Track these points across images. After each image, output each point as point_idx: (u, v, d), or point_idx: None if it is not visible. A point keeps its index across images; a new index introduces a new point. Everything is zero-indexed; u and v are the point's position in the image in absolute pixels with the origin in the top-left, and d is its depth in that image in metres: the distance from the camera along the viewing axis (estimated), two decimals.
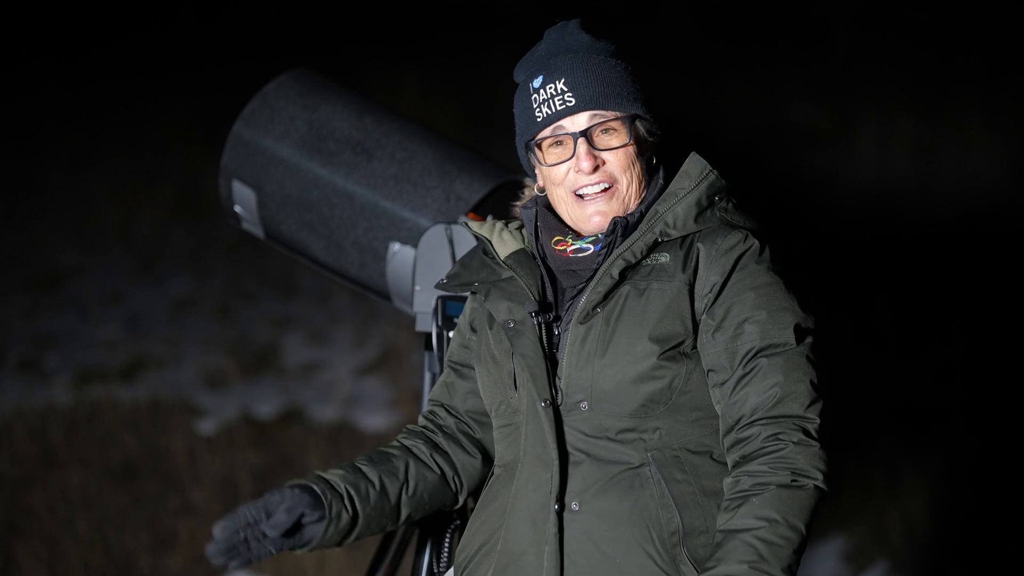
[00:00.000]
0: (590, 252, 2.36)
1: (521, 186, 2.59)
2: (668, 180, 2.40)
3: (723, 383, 2.27)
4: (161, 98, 9.61)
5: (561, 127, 2.36)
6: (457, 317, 2.82)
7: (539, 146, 2.39)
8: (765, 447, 2.21)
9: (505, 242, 2.45)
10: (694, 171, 2.36)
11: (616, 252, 2.30)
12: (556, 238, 2.39)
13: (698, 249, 2.31)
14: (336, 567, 5.05)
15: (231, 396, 6.47)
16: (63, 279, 8.04)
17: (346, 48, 9.57)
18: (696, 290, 2.30)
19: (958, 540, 4.81)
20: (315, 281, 7.50)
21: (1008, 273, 6.18)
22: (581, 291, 2.34)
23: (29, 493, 5.68)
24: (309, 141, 3.28)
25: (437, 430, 2.56)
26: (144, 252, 8.32)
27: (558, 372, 2.31)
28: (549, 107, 2.36)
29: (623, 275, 2.30)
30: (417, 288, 3.09)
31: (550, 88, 2.36)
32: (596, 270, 2.33)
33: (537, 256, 2.42)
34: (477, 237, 2.49)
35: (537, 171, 2.44)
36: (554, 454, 2.27)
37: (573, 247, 2.37)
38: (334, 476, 2.43)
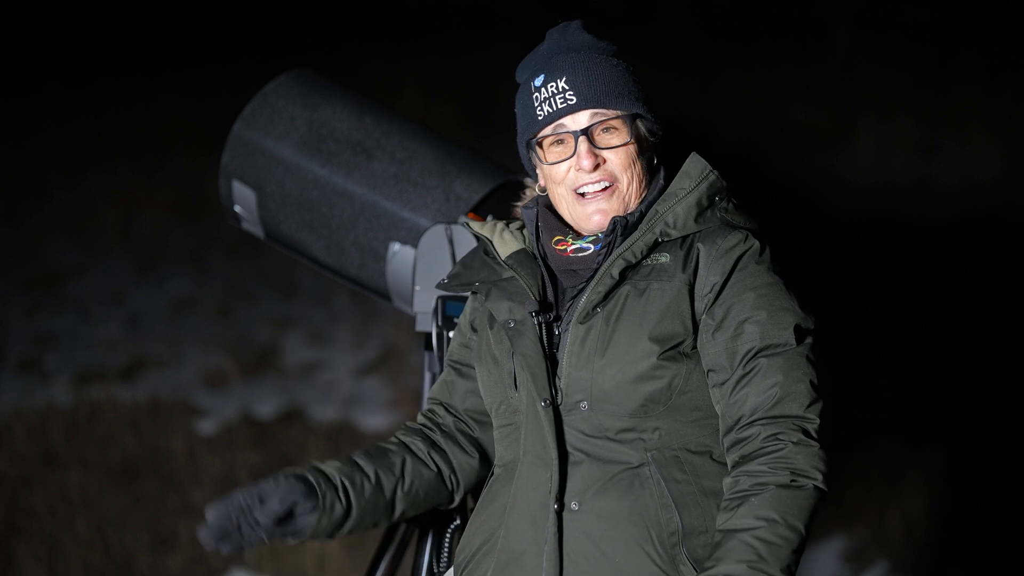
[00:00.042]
0: (590, 252, 2.36)
1: (521, 186, 2.59)
2: (669, 180, 2.40)
3: (723, 383, 2.27)
4: (161, 98, 9.61)
5: (562, 125, 2.36)
6: (457, 317, 2.83)
7: (540, 144, 2.39)
8: (765, 447, 2.21)
9: (506, 242, 2.45)
10: (694, 171, 2.36)
11: (616, 252, 2.30)
12: (556, 237, 2.40)
13: (698, 249, 2.31)
14: (336, 567, 5.05)
15: (231, 396, 6.47)
16: (63, 279, 8.04)
17: (346, 48, 9.57)
18: (696, 290, 2.30)
19: (958, 540, 4.81)
20: (315, 281, 7.50)
21: (1008, 273, 6.18)
22: (581, 291, 2.35)
23: (29, 493, 5.68)
24: (309, 141, 3.28)
25: (435, 428, 2.56)
26: (144, 252, 8.32)
27: (558, 372, 2.32)
28: (550, 105, 2.36)
29: (623, 275, 2.30)
30: (417, 288, 3.09)
31: (551, 87, 2.36)
32: (596, 270, 2.33)
33: (538, 256, 2.43)
34: (478, 237, 2.49)
35: (538, 170, 2.44)
36: (554, 454, 2.28)
37: (573, 247, 2.37)
38: (330, 468, 2.44)
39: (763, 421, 2.23)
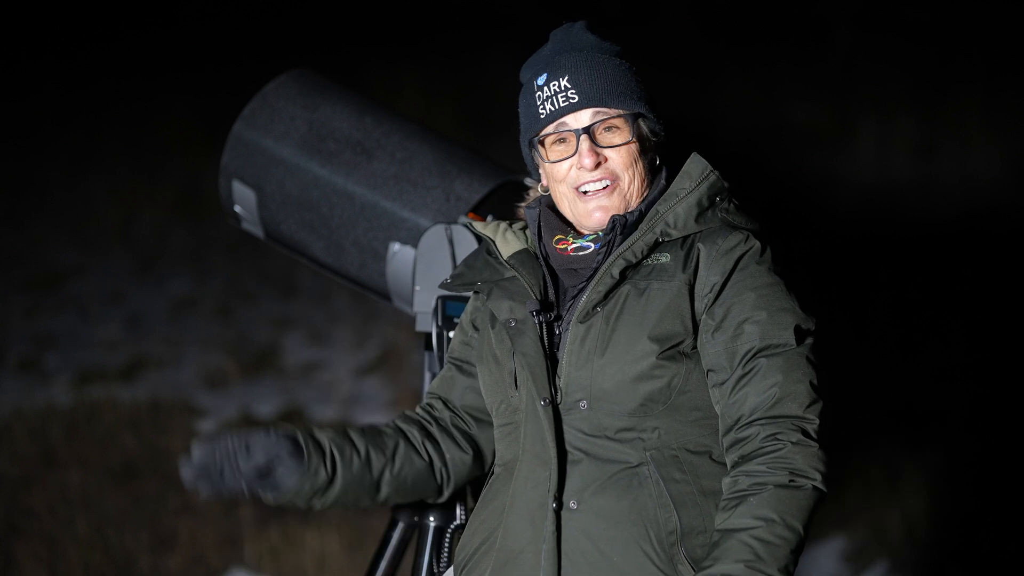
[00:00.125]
0: (591, 251, 2.36)
1: (521, 186, 2.60)
2: (671, 181, 2.40)
3: (722, 383, 2.27)
4: (161, 98, 9.60)
5: (564, 124, 2.37)
6: (457, 317, 2.83)
7: (542, 143, 2.40)
8: (764, 447, 2.21)
9: (508, 242, 2.46)
10: (695, 171, 2.36)
11: (617, 252, 2.31)
12: (557, 236, 2.40)
13: (699, 249, 2.31)
14: (336, 567, 5.06)
15: (231, 396, 6.47)
16: (63, 279, 8.04)
17: (346, 48, 9.57)
18: (696, 290, 2.30)
19: (958, 540, 4.81)
20: (315, 281, 7.50)
21: (1008, 273, 6.18)
22: (582, 290, 2.35)
23: (29, 493, 5.68)
24: (309, 141, 3.28)
25: (432, 421, 2.56)
26: (144, 252, 8.32)
27: (558, 371, 2.32)
28: (552, 104, 2.37)
29: (623, 275, 2.31)
30: (417, 288, 3.09)
31: (554, 85, 2.37)
32: (596, 269, 2.33)
33: (540, 256, 2.43)
34: (481, 237, 2.49)
35: (540, 169, 2.45)
36: (553, 452, 2.28)
37: (574, 245, 2.38)
38: (323, 435, 2.45)
39: (762, 421, 2.23)
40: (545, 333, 2.34)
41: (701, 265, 2.30)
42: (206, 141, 8.28)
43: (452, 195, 3.15)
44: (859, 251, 6.56)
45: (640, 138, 2.38)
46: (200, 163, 8.37)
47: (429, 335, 3.06)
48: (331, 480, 2.43)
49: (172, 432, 6.08)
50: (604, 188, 2.36)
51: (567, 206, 2.40)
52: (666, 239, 2.32)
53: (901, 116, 7.62)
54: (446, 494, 2.57)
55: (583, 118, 2.36)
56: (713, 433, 2.30)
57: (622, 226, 2.34)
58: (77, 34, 10.74)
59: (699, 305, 2.30)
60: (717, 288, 2.29)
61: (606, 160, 2.36)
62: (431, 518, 3.02)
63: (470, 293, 2.58)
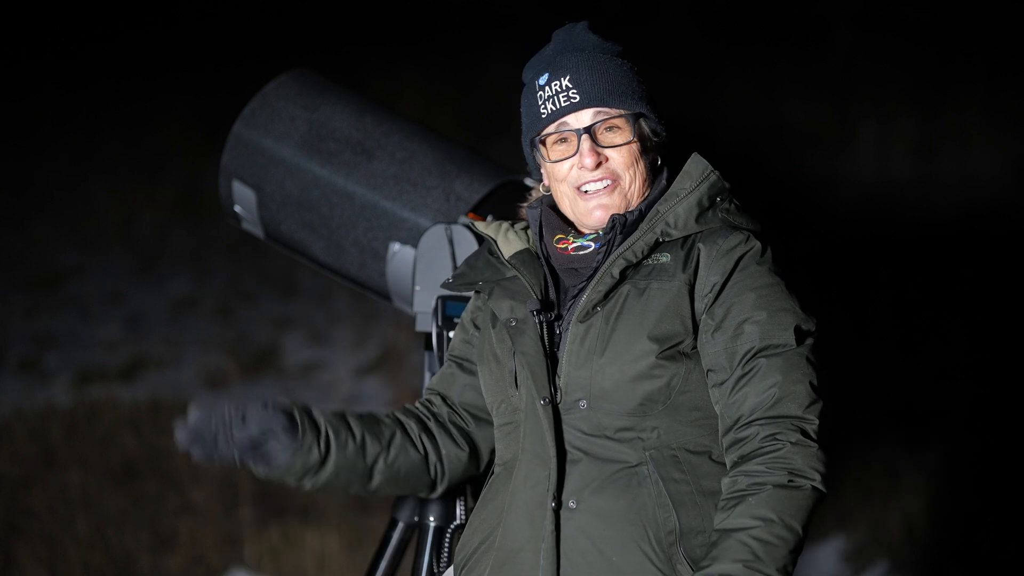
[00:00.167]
0: (591, 250, 2.36)
1: (521, 186, 2.60)
2: (672, 182, 2.40)
3: (722, 383, 2.27)
4: (161, 98, 9.60)
5: (565, 123, 2.37)
6: (457, 317, 2.84)
7: (543, 143, 2.40)
8: (763, 447, 2.21)
9: (510, 242, 2.46)
10: (695, 171, 2.37)
11: (617, 251, 2.31)
12: (558, 236, 2.41)
13: (699, 249, 2.31)
14: (336, 567, 5.06)
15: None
16: (63, 279, 8.03)
17: (346, 48, 9.57)
18: (696, 290, 2.30)
19: (958, 540, 4.81)
20: (315, 281, 7.50)
21: (1008, 273, 6.18)
22: (582, 290, 2.35)
23: (29, 493, 5.68)
24: (309, 141, 3.28)
25: (430, 416, 2.56)
26: (144, 252, 8.32)
27: (558, 370, 2.32)
28: (554, 103, 2.37)
29: (623, 274, 2.31)
30: (417, 288, 3.09)
31: (555, 85, 2.37)
32: (597, 269, 2.33)
33: (541, 256, 2.43)
34: (483, 236, 2.50)
35: (542, 169, 2.45)
36: (552, 452, 2.28)
37: (574, 245, 2.38)
38: (320, 415, 2.45)
39: (762, 421, 2.23)
40: (545, 333, 2.35)
41: (701, 265, 2.30)
42: (206, 141, 8.28)
43: (452, 195, 3.15)
44: (859, 251, 6.56)
45: (641, 138, 2.38)
46: (200, 163, 8.36)
47: (429, 335, 3.06)
48: (323, 461, 2.43)
49: (172, 432, 6.07)
50: (605, 187, 2.36)
51: (568, 205, 2.41)
52: (666, 239, 2.32)
53: (901, 116, 7.61)
54: (439, 490, 2.57)
55: (584, 118, 2.36)
56: (712, 433, 2.30)
57: (622, 225, 2.34)
58: (77, 34, 10.73)
59: (699, 305, 2.30)
60: (717, 288, 2.29)
61: (607, 160, 2.36)
62: (431, 518, 3.03)
63: (470, 293, 2.59)
